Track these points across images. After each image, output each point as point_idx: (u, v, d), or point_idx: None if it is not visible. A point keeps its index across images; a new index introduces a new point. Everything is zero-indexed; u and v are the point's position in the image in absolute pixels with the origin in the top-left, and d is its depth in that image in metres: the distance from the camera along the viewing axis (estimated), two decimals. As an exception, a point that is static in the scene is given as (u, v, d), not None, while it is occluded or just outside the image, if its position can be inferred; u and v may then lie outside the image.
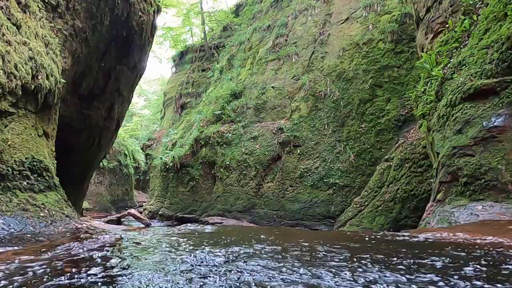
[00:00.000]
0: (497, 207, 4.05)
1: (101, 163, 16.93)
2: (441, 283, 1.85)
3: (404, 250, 2.78)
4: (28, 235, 4.46)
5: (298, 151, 12.14)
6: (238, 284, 1.94)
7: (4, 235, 4.31)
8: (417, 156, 9.01)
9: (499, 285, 1.78)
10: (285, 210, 11.55)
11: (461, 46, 6.01)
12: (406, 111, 11.03)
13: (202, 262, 2.49)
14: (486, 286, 1.77)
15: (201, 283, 1.97)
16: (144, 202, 24.02)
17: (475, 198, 4.38)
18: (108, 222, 10.50)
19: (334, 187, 11.12)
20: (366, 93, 11.98)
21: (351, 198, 10.63)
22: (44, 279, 2.10)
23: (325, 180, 11.29)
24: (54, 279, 2.10)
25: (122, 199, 22.26)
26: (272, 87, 14.21)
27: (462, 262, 2.25)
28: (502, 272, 2.03)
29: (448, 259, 2.33)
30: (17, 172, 5.48)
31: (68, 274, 2.22)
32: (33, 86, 5.94)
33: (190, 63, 26.44)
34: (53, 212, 5.66)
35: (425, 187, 8.34)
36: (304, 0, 15.96)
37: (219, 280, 2.01)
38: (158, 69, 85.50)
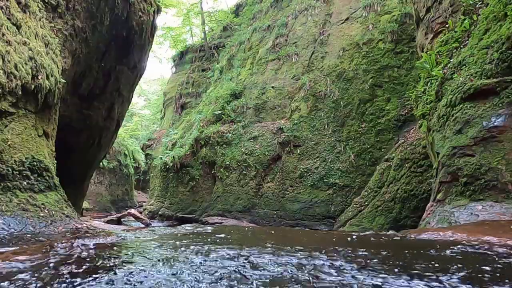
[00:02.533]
0: (497, 207, 4.05)
1: (101, 163, 16.94)
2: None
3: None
4: (28, 235, 4.46)
5: (298, 151, 12.14)
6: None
7: (4, 235, 4.31)
8: (417, 156, 9.01)
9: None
10: (285, 210, 11.55)
11: (461, 46, 6.01)
12: (406, 111, 11.02)
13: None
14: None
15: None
16: (144, 202, 24.01)
17: (475, 198, 4.38)
18: (108, 222, 10.49)
19: (334, 187, 11.12)
20: (366, 93, 11.98)
21: (351, 198, 10.63)
22: (44, 279, 2.10)
23: (325, 180, 11.29)
24: (53, 279, 2.10)
25: (122, 199, 22.26)
26: (272, 87, 14.21)
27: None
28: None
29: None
30: (17, 172, 5.48)
31: (68, 273, 2.22)
32: (33, 86, 5.94)
33: (190, 63, 26.45)
34: (53, 212, 5.66)
35: (425, 187, 8.34)
36: (304, 0, 15.97)
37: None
38: (158, 69, 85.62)
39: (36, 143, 6.07)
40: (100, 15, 9.19)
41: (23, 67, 5.70)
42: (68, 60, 8.04)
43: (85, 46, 8.85)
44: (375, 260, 2.41)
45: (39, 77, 6.08)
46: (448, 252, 2.59)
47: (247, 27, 19.88)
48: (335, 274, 2.08)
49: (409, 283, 1.88)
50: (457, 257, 2.44)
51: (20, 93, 5.66)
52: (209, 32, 27.76)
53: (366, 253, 2.69)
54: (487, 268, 2.09)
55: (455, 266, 2.14)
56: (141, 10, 11.32)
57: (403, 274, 2.03)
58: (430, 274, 2.00)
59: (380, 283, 1.89)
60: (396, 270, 2.12)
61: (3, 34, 5.58)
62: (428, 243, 3.19)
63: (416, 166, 8.92)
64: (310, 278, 2.01)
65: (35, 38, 6.43)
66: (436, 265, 2.20)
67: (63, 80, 7.13)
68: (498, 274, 1.98)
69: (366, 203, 9.73)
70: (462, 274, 1.99)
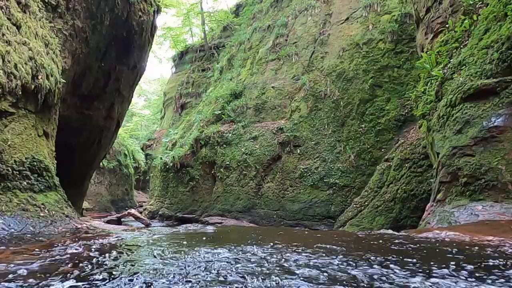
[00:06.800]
0: (497, 207, 4.05)
1: (101, 163, 16.93)
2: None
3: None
4: (28, 235, 4.45)
5: (298, 151, 12.14)
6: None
7: (4, 235, 4.30)
8: (417, 156, 9.01)
9: None
10: (285, 210, 11.55)
11: (461, 46, 6.00)
12: (406, 111, 11.03)
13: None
14: None
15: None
16: (144, 202, 24.01)
17: (475, 198, 4.37)
18: (108, 222, 10.49)
19: (334, 187, 11.12)
20: (366, 93, 11.98)
21: (351, 198, 10.63)
22: (43, 278, 2.10)
23: (325, 180, 11.29)
24: (52, 278, 2.10)
25: (122, 199, 22.24)
26: (272, 87, 14.21)
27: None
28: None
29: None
30: (17, 172, 5.47)
31: (67, 273, 2.22)
32: (33, 86, 5.94)
33: (190, 63, 26.46)
34: (53, 212, 5.66)
35: (425, 187, 8.34)
36: (304, 0, 15.97)
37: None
38: (158, 69, 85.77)
39: (36, 143, 6.07)
40: (100, 15, 9.18)
41: (23, 67, 5.70)
42: (68, 60, 8.04)
43: (85, 46, 8.84)
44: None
45: (39, 77, 6.08)
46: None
47: (247, 27, 19.88)
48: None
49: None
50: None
51: (20, 93, 5.65)
52: (209, 32, 27.77)
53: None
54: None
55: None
56: (141, 10, 11.31)
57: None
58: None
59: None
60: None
61: (3, 34, 5.58)
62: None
63: (416, 166, 8.92)
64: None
65: (35, 38, 6.43)
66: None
67: (63, 80, 7.12)
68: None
69: (366, 203, 9.72)
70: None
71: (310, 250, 2.84)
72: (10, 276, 2.17)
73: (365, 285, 1.87)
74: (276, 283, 1.89)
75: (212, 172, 13.43)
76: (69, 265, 2.51)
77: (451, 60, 5.97)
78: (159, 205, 14.84)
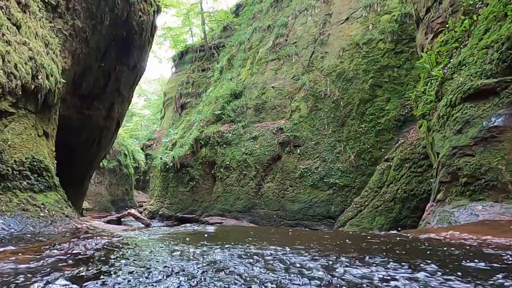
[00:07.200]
0: (497, 207, 4.05)
1: (101, 163, 16.93)
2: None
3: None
4: (28, 235, 4.45)
5: (298, 151, 12.14)
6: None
7: (4, 235, 4.30)
8: (417, 156, 9.01)
9: None
10: (285, 210, 11.55)
11: (461, 46, 6.00)
12: (406, 111, 11.03)
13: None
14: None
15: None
16: (144, 202, 24.01)
17: (475, 198, 4.37)
18: (108, 222, 10.49)
19: (334, 187, 11.12)
20: (366, 93, 11.98)
21: (351, 198, 10.63)
22: (43, 278, 2.10)
23: (325, 180, 11.29)
24: (52, 278, 2.10)
25: (122, 199, 22.24)
26: (272, 87, 14.21)
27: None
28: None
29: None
30: (17, 172, 5.47)
31: (67, 273, 2.22)
32: (33, 86, 5.93)
33: (190, 63, 26.46)
34: (53, 212, 5.66)
35: (425, 187, 8.34)
36: (304, 0, 15.97)
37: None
38: (158, 69, 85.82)
39: (36, 143, 6.07)
40: (100, 15, 9.18)
41: (23, 67, 5.70)
42: (68, 60, 8.04)
43: (85, 46, 8.84)
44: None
45: (39, 77, 6.08)
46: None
47: (247, 27, 19.89)
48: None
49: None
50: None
51: (20, 93, 5.65)
52: (209, 32, 27.78)
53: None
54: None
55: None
56: (141, 10, 11.31)
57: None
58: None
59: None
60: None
61: (3, 34, 5.58)
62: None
63: (416, 166, 8.92)
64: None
65: (35, 38, 6.43)
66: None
67: (63, 80, 7.12)
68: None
69: (366, 203, 9.72)
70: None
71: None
72: (11, 274, 2.17)
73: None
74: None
75: (212, 172, 13.43)
76: (70, 265, 2.51)
77: (451, 60, 5.97)
78: (159, 205, 14.84)
